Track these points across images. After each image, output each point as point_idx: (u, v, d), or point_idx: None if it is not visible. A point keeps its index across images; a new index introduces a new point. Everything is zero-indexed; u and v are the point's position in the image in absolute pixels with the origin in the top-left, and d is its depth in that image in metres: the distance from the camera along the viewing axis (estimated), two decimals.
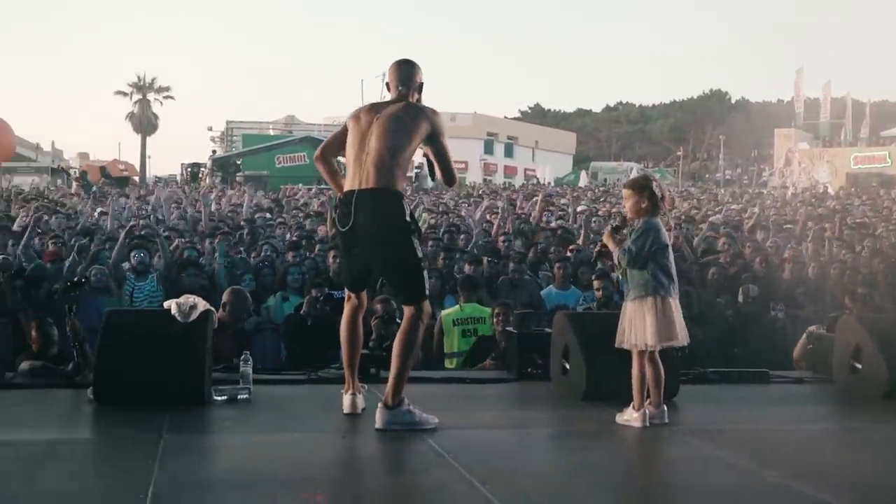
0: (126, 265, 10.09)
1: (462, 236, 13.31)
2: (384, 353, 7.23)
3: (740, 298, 10.28)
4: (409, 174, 41.65)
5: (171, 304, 6.28)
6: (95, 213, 17.08)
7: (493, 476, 4.53)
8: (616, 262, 5.94)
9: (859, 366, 7.05)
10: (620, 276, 5.94)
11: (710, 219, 17.89)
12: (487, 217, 17.08)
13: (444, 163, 5.79)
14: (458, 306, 9.26)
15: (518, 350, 7.54)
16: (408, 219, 5.52)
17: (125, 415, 5.77)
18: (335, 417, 5.80)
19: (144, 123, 67.70)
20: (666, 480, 5.06)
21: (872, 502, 4.55)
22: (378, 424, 5.44)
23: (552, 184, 49.39)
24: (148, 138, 67.89)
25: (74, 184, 35.40)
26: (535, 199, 22.43)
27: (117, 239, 11.07)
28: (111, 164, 52.43)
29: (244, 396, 6.24)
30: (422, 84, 5.86)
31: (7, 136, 50.34)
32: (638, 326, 5.70)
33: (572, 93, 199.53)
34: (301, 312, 9.13)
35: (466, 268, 10.47)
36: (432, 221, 16.40)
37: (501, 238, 12.87)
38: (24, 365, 6.93)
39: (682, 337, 5.78)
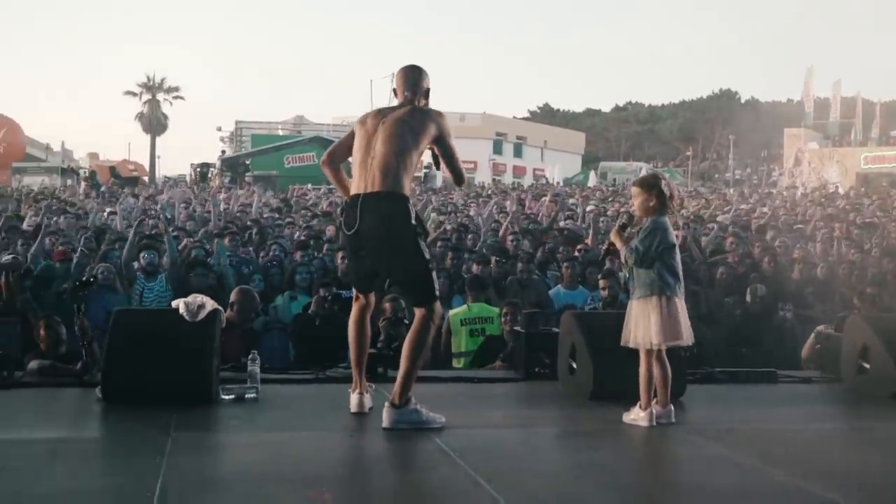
0: (136, 264, 10.12)
1: (469, 236, 13.31)
2: (391, 353, 7.26)
3: (748, 298, 10.27)
4: (417, 174, 41.77)
5: (180, 304, 6.30)
6: (104, 214, 17.09)
7: (499, 475, 4.55)
8: (623, 260, 5.95)
9: (867, 365, 7.04)
10: (627, 275, 5.94)
11: (718, 218, 17.86)
12: (496, 216, 17.08)
13: (452, 164, 5.83)
14: (465, 306, 9.26)
15: (525, 349, 7.55)
16: (413, 222, 5.53)
17: (133, 413, 5.79)
18: (342, 416, 5.82)
19: (154, 124, 67.80)
20: (672, 480, 5.06)
21: (880, 502, 4.55)
22: (385, 423, 5.46)
23: (561, 184, 49.35)
24: (157, 138, 68.01)
25: (83, 184, 35.45)
26: (543, 198, 22.43)
27: (126, 238, 11.09)
28: (121, 164, 52.59)
29: (252, 395, 6.26)
30: (429, 90, 5.89)
31: (17, 137, 50.68)
32: (643, 325, 5.71)
33: (581, 92, 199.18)
34: (309, 312, 9.15)
35: (474, 268, 10.48)
36: (441, 220, 16.39)
37: (510, 238, 12.87)
38: (33, 364, 6.96)
39: (687, 336, 5.79)
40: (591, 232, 13.87)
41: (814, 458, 5.22)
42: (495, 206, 19.18)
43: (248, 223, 15.10)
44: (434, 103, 5.88)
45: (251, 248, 12.28)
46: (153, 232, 12.53)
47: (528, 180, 60.91)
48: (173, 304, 6.44)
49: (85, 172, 44.67)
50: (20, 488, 4.23)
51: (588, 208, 19.75)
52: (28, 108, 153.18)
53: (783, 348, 9.43)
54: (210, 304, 6.31)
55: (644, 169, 55.79)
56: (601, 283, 9.64)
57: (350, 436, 5.55)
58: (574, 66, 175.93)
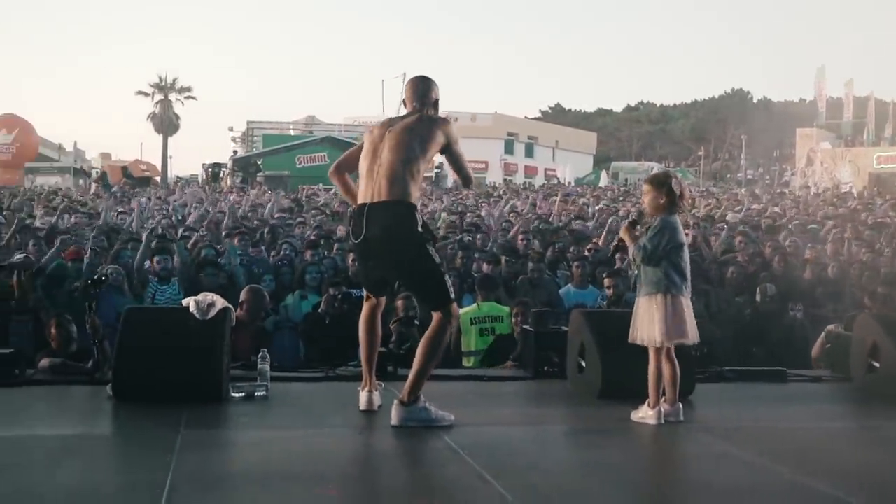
0: (147, 264, 10.14)
1: (479, 235, 13.32)
2: (401, 353, 7.28)
3: (758, 298, 10.26)
4: (428, 174, 41.81)
5: (190, 302, 6.33)
6: (115, 213, 17.14)
7: (506, 472, 4.57)
8: (631, 257, 5.97)
9: (877, 364, 7.03)
10: (636, 272, 5.96)
11: (727, 217, 17.83)
12: (507, 216, 17.09)
13: (460, 168, 5.94)
14: (475, 305, 9.27)
15: (535, 348, 7.56)
16: (420, 229, 5.54)
17: (144, 410, 5.82)
18: (351, 414, 5.85)
19: (166, 124, 67.88)
20: (680, 477, 5.08)
21: (888, 500, 4.55)
22: (394, 421, 5.48)
23: (572, 184, 49.32)
24: (169, 138, 68.09)
25: (94, 185, 35.55)
26: (553, 198, 22.43)
27: (139, 239, 11.13)
28: (133, 164, 52.78)
29: (261, 393, 6.29)
30: (437, 100, 5.91)
31: (30, 137, 50.87)
32: (648, 323, 5.73)
33: (593, 92, 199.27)
34: (319, 311, 9.17)
35: (484, 267, 10.49)
36: (452, 220, 16.41)
37: (521, 237, 12.88)
38: (44, 362, 7.01)
39: (692, 335, 5.80)
40: (602, 231, 13.87)
41: (822, 457, 5.23)
42: (508, 208, 19.16)
43: (256, 223, 15.13)
44: (446, 103, 5.93)
45: (262, 248, 12.31)
46: (164, 233, 12.57)
47: (539, 180, 60.87)
48: (183, 302, 6.48)
49: (96, 173, 44.81)
50: (32, 484, 4.27)
51: (598, 207, 19.75)
52: (41, 109, 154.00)
53: (793, 347, 9.41)
54: (220, 302, 6.34)
55: (656, 169, 55.72)
56: (606, 281, 9.65)
57: (359, 433, 5.58)
58: (586, 65, 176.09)
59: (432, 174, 42.81)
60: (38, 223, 13.90)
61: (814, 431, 6.04)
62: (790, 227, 16.48)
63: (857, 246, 13.48)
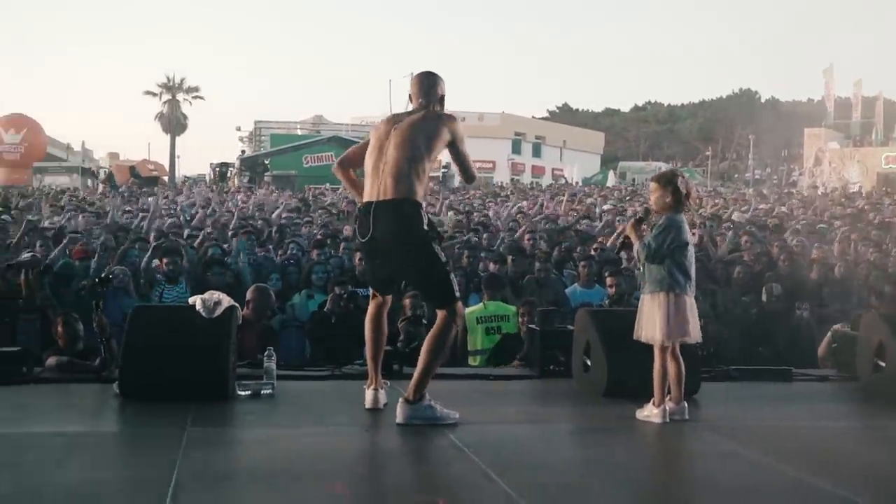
0: (155, 263, 10.16)
1: (485, 235, 13.33)
2: (408, 351, 7.29)
3: (764, 297, 10.26)
4: (436, 174, 41.82)
5: (196, 300, 6.35)
6: (121, 213, 17.18)
7: (511, 470, 4.57)
8: (635, 254, 5.98)
9: (883, 364, 7.01)
10: (641, 269, 5.97)
11: (733, 217, 17.81)
12: (514, 217, 17.10)
13: (464, 165, 5.90)
14: (481, 304, 9.28)
15: (541, 347, 7.56)
16: (426, 227, 5.54)
17: (150, 409, 5.84)
18: (357, 412, 5.85)
19: (174, 123, 68.03)
20: (683, 475, 5.09)
21: (893, 500, 4.56)
22: (399, 419, 5.48)
23: (580, 183, 49.31)
24: (177, 138, 68.25)
25: (101, 185, 35.61)
26: (560, 198, 22.43)
27: (145, 239, 11.16)
28: (141, 164, 52.76)
29: (267, 391, 6.30)
30: (443, 96, 5.90)
31: (38, 137, 51.01)
32: (651, 321, 5.75)
33: (601, 92, 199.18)
34: (325, 310, 9.19)
35: (491, 266, 10.49)
36: (459, 219, 16.43)
37: (527, 237, 12.89)
38: (51, 360, 7.03)
39: (694, 334, 5.80)
40: (608, 232, 13.87)
41: (827, 456, 5.22)
42: (515, 209, 19.16)
43: (260, 222, 15.16)
44: (453, 103, 5.93)
45: (270, 247, 12.35)
46: (172, 234, 12.61)
47: (546, 180, 60.90)
48: (190, 300, 6.50)
49: (103, 173, 44.94)
50: (40, 480, 4.29)
51: (605, 207, 19.75)
52: (49, 108, 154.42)
53: (800, 347, 9.42)
54: (226, 300, 6.35)
55: (663, 169, 55.60)
56: (608, 280, 9.67)
57: (364, 431, 5.59)
58: (593, 65, 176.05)
59: (439, 174, 42.84)
60: (45, 223, 13.94)
61: (819, 430, 6.04)
62: (798, 226, 16.47)
63: (865, 246, 13.47)
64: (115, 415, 5.99)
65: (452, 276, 5.72)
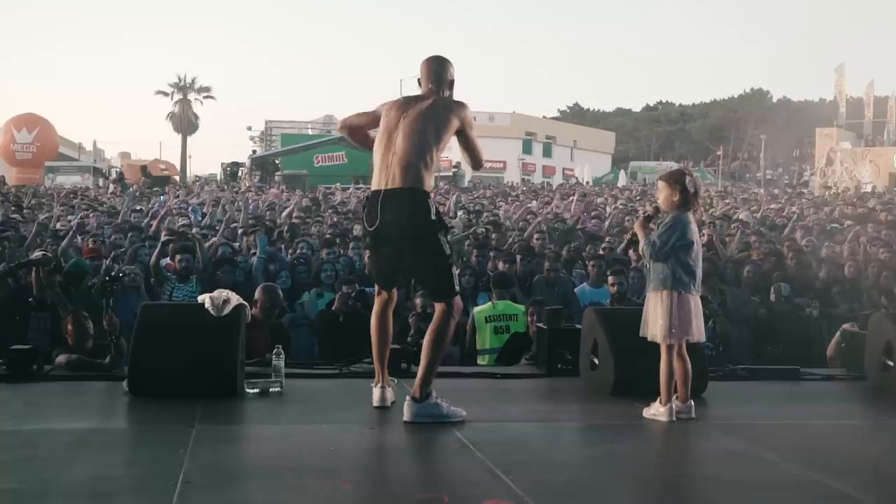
0: (164, 262, 10.21)
1: (494, 235, 13.34)
2: (415, 349, 7.31)
3: (772, 297, 10.25)
4: (446, 174, 41.81)
5: (205, 299, 6.38)
6: (129, 212, 17.24)
7: (517, 467, 4.58)
8: (640, 252, 5.99)
9: (891, 363, 7.01)
10: (647, 266, 5.98)
11: (741, 216, 17.78)
12: (525, 217, 17.10)
13: (472, 152, 5.92)
14: (490, 303, 9.29)
15: (548, 346, 7.57)
16: (433, 217, 5.56)
17: (159, 406, 5.88)
18: (364, 410, 5.88)
19: (185, 123, 68.23)
20: (690, 473, 5.09)
21: None
22: (406, 417, 5.50)
23: (591, 183, 49.26)
24: (188, 138, 68.45)
25: (111, 185, 35.71)
26: (571, 198, 22.42)
27: (155, 237, 11.21)
28: (152, 163, 53.01)
29: (276, 389, 6.33)
30: (453, 81, 5.90)
31: (50, 136, 51.23)
32: (653, 319, 5.77)
33: (612, 92, 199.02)
34: (333, 309, 9.21)
35: (500, 265, 10.51)
36: (469, 218, 16.43)
37: (536, 237, 12.90)
38: (61, 358, 7.07)
39: (697, 334, 5.81)
40: (616, 231, 13.88)
41: (833, 454, 5.23)
42: (524, 210, 19.15)
43: (268, 223, 15.19)
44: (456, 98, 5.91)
45: (282, 246, 12.39)
46: (180, 229, 12.66)
47: (557, 180, 60.87)
48: (199, 299, 6.53)
49: (114, 173, 45.05)
50: (49, 476, 4.33)
51: (615, 206, 19.74)
52: (61, 108, 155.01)
53: (809, 346, 9.41)
54: (235, 299, 6.38)
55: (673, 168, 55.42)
56: (610, 279, 9.68)
57: (371, 429, 5.61)
58: (604, 65, 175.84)
59: (450, 173, 42.88)
60: (57, 225, 14.01)
61: (825, 429, 6.05)
62: (809, 224, 16.44)
63: (875, 246, 13.43)
64: (123, 412, 6.04)
65: (455, 270, 5.73)
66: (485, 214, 17.84)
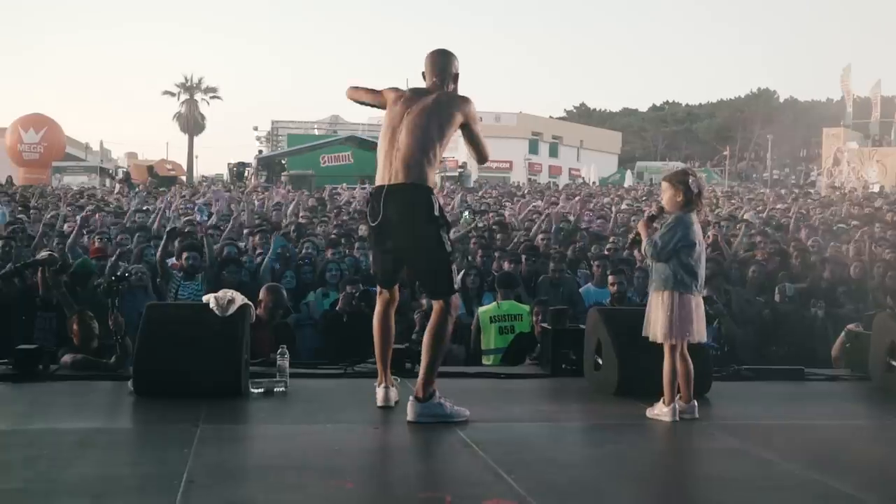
0: (170, 261, 10.22)
1: (499, 235, 13.34)
2: (419, 350, 7.32)
3: (777, 297, 10.25)
4: (453, 174, 41.82)
5: (210, 299, 6.39)
6: (135, 212, 17.26)
7: (520, 466, 4.60)
8: (642, 251, 6.00)
9: (895, 364, 7.00)
10: (650, 265, 5.99)
11: (746, 216, 17.75)
12: (530, 217, 17.10)
13: (477, 146, 5.91)
14: (495, 303, 9.29)
15: (552, 346, 7.58)
16: (436, 213, 5.57)
17: (163, 406, 5.89)
18: (368, 410, 5.89)
19: (192, 123, 68.39)
20: (693, 473, 5.11)
21: None
22: (409, 417, 5.52)
23: (597, 183, 49.22)
24: (195, 138, 68.61)
25: (118, 186, 35.75)
26: (576, 198, 22.40)
27: (160, 237, 11.22)
28: (159, 163, 53.11)
29: (280, 389, 6.35)
30: (457, 74, 5.91)
31: (57, 136, 51.36)
32: (654, 318, 5.78)
33: (618, 92, 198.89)
34: (336, 309, 9.23)
35: (505, 265, 10.51)
36: (474, 218, 16.43)
37: (541, 237, 12.90)
38: (66, 358, 7.08)
39: (698, 334, 5.81)
40: (621, 231, 13.87)
41: (836, 454, 5.24)
42: (529, 210, 19.15)
43: (272, 222, 15.22)
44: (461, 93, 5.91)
45: (289, 245, 12.39)
46: (186, 229, 12.68)
47: (563, 180, 60.81)
48: (204, 299, 6.54)
49: (120, 174, 45.14)
50: (54, 475, 4.35)
51: (621, 206, 19.71)
52: (68, 108, 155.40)
53: (814, 347, 9.41)
54: (240, 298, 6.39)
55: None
56: (610, 279, 9.68)
57: (375, 428, 5.62)
58: (611, 65, 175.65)
59: (456, 173, 42.87)
60: (65, 227, 14.03)
61: (829, 429, 6.05)
62: (815, 224, 16.41)
63: (881, 246, 13.40)
64: (128, 412, 6.05)
65: (454, 267, 5.74)
66: (490, 214, 17.83)
